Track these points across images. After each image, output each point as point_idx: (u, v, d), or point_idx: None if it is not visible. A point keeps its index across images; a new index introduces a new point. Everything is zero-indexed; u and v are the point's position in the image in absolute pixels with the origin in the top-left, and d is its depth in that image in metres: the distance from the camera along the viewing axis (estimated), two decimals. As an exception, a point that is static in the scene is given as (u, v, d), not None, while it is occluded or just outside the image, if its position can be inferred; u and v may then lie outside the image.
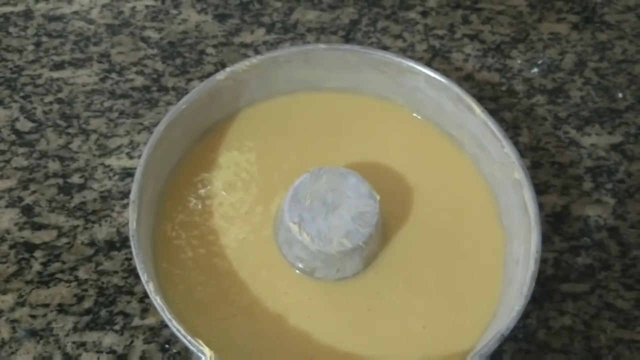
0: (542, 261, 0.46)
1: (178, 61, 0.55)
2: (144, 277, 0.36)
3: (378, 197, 0.41)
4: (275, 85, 0.47)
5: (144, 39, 0.56)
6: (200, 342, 0.35)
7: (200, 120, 0.45)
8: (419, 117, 0.48)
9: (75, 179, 0.48)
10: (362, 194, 0.41)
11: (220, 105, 0.46)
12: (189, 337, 0.34)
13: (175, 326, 0.35)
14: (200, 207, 0.44)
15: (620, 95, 0.55)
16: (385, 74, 0.47)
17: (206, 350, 0.34)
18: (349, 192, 0.41)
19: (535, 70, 0.56)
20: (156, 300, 0.35)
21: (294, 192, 0.41)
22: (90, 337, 0.43)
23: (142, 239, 0.38)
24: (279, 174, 0.45)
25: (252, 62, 0.45)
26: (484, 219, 0.44)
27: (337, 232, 0.40)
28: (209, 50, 0.55)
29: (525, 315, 0.44)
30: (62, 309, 0.43)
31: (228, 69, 0.44)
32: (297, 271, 0.42)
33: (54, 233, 0.46)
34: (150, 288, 0.36)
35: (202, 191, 0.44)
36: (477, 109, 0.44)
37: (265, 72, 0.46)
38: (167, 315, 0.35)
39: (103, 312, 0.43)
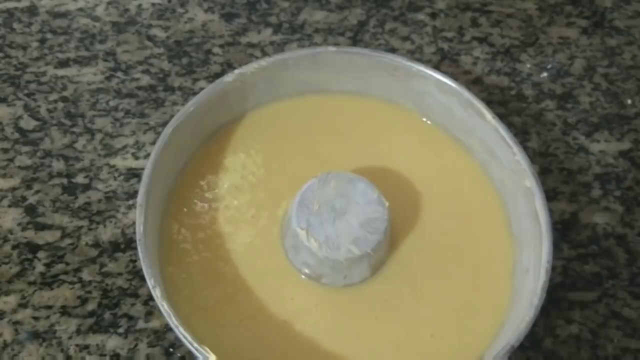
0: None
1: (184, 60, 0.54)
2: (150, 282, 0.35)
3: (387, 204, 0.41)
4: (282, 87, 0.47)
5: (150, 38, 0.55)
6: (207, 348, 0.34)
7: (207, 122, 0.45)
8: (428, 122, 0.48)
9: (80, 178, 0.48)
10: (370, 200, 0.41)
11: (227, 107, 0.45)
12: (195, 344, 0.34)
13: (182, 333, 0.34)
14: (206, 210, 0.43)
15: (629, 101, 0.55)
16: (394, 78, 0.46)
17: (212, 357, 0.34)
18: (357, 198, 0.41)
19: (544, 74, 0.56)
20: (163, 306, 0.35)
21: (301, 197, 0.40)
22: (94, 339, 0.42)
23: (148, 243, 0.38)
24: (286, 177, 0.45)
25: (261, 64, 0.44)
26: (493, 227, 0.44)
27: (345, 238, 0.39)
28: (216, 49, 0.55)
29: (532, 323, 0.44)
30: (65, 311, 0.43)
31: (236, 71, 0.44)
32: (304, 277, 0.41)
33: (58, 234, 0.46)
34: (157, 294, 0.35)
35: (208, 194, 0.44)
36: (488, 114, 0.43)
37: (273, 74, 0.45)
38: (173, 322, 0.34)
39: (107, 315, 0.43)
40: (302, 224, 0.40)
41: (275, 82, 0.46)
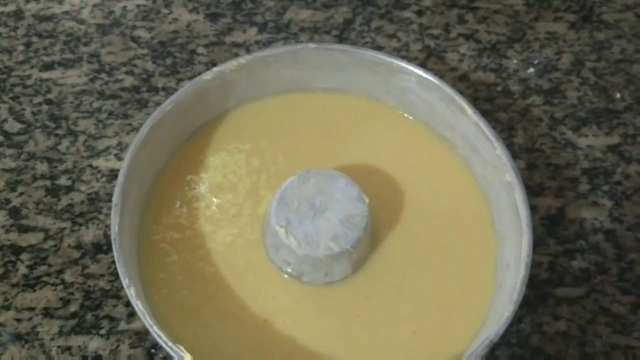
0: (536, 265, 0.46)
1: (168, 61, 0.54)
2: (125, 282, 0.35)
3: (367, 200, 0.40)
4: (264, 85, 0.47)
5: (134, 39, 0.55)
6: (182, 348, 0.34)
7: (187, 121, 0.44)
8: (410, 119, 0.47)
9: (63, 180, 0.48)
10: (351, 196, 0.40)
11: (207, 106, 0.45)
12: (170, 344, 0.34)
13: (156, 332, 0.34)
14: (186, 210, 0.43)
15: (618, 95, 0.54)
16: (376, 74, 0.46)
17: (187, 356, 0.34)
18: (337, 195, 0.40)
19: (531, 70, 0.55)
20: (137, 305, 0.35)
21: (281, 195, 0.40)
22: (76, 341, 0.42)
23: (125, 243, 0.37)
24: (268, 176, 0.45)
25: (240, 62, 0.44)
26: (475, 223, 0.43)
27: (324, 235, 0.39)
28: (200, 50, 0.55)
29: (518, 320, 0.44)
30: (47, 313, 0.43)
31: (215, 69, 0.44)
32: (285, 275, 0.41)
33: (41, 235, 0.46)
34: (131, 293, 0.35)
35: (188, 193, 0.44)
36: (469, 110, 0.43)
37: (253, 72, 0.45)
38: (148, 321, 0.34)
39: (89, 316, 0.43)
40: (281, 222, 0.39)
41: (256, 81, 0.46)
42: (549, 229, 0.47)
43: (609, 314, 0.44)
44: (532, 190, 0.49)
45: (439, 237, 0.43)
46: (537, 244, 0.46)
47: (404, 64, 0.45)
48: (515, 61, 0.56)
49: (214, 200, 0.44)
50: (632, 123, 0.53)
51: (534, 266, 0.45)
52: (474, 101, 0.53)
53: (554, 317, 0.44)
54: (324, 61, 0.46)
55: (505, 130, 0.52)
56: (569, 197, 0.49)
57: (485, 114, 0.47)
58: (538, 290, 0.45)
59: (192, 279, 0.41)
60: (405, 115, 0.47)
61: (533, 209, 0.48)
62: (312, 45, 0.45)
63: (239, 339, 0.39)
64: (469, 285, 0.41)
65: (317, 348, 0.39)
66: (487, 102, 0.53)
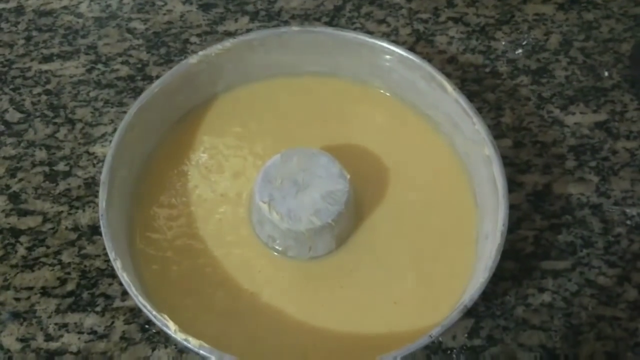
0: (522, 239, 0.46)
1: (162, 50, 0.55)
2: (111, 255, 0.37)
3: (348, 176, 0.41)
4: (251, 70, 0.48)
5: (129, 30, 0.57)
6: (165, 316, 0.35)
7: (176, 105, 0.46)
8: (395, 99, 0.48)
9: (61, 166, 0.50)
10: (332, 173, 0.41)
11: (196, 90, 0.46)
12: (154, 312, 0.35)
13: (141, 302, 0.35)
14: (176, 190, 0.44)
15: (606, 73, 0.55)
16: (360, 56, 0.47)
17: (171, 324, 0.35)
18: (319, 172, 0.41)
19: (519, 51, 0.56)
20: (123, 277, 0.36)
21: (264, 172, 0.41)
22: (72, 318, 0.43)
23: (113, 220, 0.39)
24: (255, 157, 0.46)
25: (225, 45, 0.45)
26: (458, 198, 0.44)
27: (306, 210, 0.40)
28: (193, 39, 0.56)
29: (503, 292, 0.44)
30: (45, 292, 0.44)
31: (201, 53, 0.45)
32: (271, 250, 0.42)
33: (39, 219, 0.47)
34: (117, 265, 0.36)
35: (178, 174, 0.45)
36: (449, 87, 0.44)
37: (240, 56, 0.46)
38: (133, 292, 0.36)
39: (85, 295, 0.44)
40: (264, 198, 0.40)
41: (243, 65, 0.47)
42: (535, 204, 0.48)
43: (594, 286, 0.45)
44: (519, 168, 0.49)
45: (422, 213, 0.44)
46: (523, 219, 0.47)
47: (384, 44, 0.46)
48: (503, 43, 0.57)
49: (203, 180, 0.45)
50: (620, 100, 0.53)
51: (519, 240, 0.46)
52: (462, 83, 0.54)
53: (539, 290, 0.45)
54: (309, 44, 0.47)
55: (493, 110, 0.52)
56: (556, 173, 0.49)
57: (473, 95, 0.48)
58: (523, 264, 0.45)
59: (182, 255, 0.42)
60: (390, 95, 0.48)
61: (519, 185, 0.49)
62: (295, 28, 0.47)
63: (227, 311, 0.40)
64: (451, 257, 0.42)
65: (302, 317, 0.40)
66: (476, 84, 0.54)
